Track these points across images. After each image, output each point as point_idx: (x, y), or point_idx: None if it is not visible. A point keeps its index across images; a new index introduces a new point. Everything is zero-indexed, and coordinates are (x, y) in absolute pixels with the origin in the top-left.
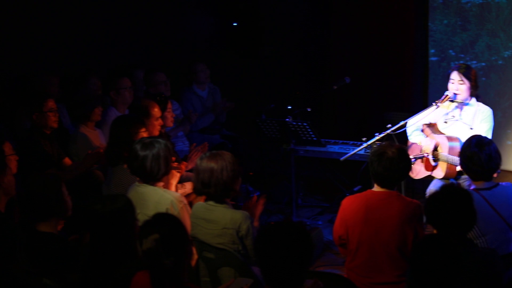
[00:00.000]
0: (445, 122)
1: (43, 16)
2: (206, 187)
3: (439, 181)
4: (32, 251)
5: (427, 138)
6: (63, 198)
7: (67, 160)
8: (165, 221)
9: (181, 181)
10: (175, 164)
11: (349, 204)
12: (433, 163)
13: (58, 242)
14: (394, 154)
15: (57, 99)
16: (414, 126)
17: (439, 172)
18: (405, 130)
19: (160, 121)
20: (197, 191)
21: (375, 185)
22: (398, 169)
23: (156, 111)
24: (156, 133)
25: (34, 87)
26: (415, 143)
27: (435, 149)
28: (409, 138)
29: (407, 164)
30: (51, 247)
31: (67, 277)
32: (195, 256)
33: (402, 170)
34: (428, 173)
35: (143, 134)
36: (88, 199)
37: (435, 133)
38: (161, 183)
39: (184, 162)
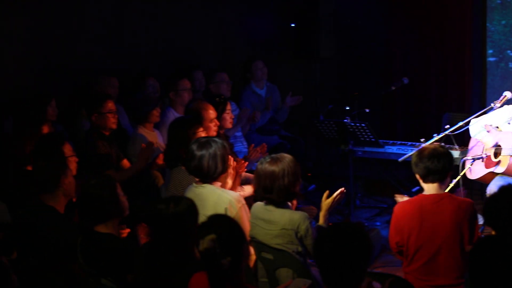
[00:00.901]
0: (509, 123)
1: (102, 17)
2: (267, 193)
3: (500, 179)
4: (91, 252)
5: (489, 134)
6: (118, 199)
7: (125, 162)
8: (221, 221)
9: (240, 182)
10: (234, 165)
11: (402, 210)
12: (494, 159)
13: (116, 243)
14: (434, 147)
15: (115, 100)
16: (477, 125)
17: (500, 168)
18: (463, 131)
19: (215, 122)
20: (258, 196)
21: (426, 187)
22: (441, 157)
23: (211, 112)
24: (213, 134)
25: (94, 88)
26: (477, 145)
27: (497, 145)
28: (472, 136)
29: (449, 154)
30: (109, 248)
31: (125, 277)
32: (254, 257)
33: (445, 159)
34: (488, 170)
35: (201, 134)
36: (147, 201)
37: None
38: (219, 183)
39: (243, 163)
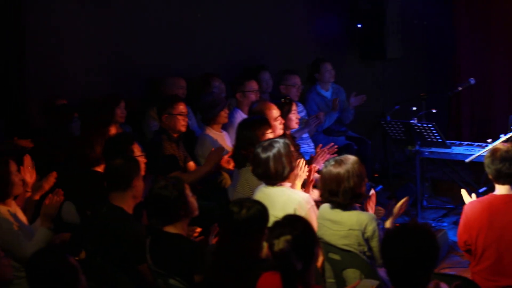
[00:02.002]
0: None
1: (169, 19)
2: (333, 196)
3: None
4: (159, 253)
5: None
6: (187, 200)
7: (192, 164)
8: (297, 222)
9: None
10: (304, 167)
11: (472, 209)
12: None
13: (185, 244)
14: (506, 149)
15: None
16: None
17: None
18: None
19: (280, 120)
20: (324, 199)
21: (497, 187)
22: None
23: (274, 111)
24: (280, 133)
25: (162, 89)
26: None
27: None
28: None
29: None
30: (178, 249)
31: (192, 278)
32: (321, 258)
33: None
34: None
35: (269, 135)
36: (216, 202)
37: None
38: (289, 183)
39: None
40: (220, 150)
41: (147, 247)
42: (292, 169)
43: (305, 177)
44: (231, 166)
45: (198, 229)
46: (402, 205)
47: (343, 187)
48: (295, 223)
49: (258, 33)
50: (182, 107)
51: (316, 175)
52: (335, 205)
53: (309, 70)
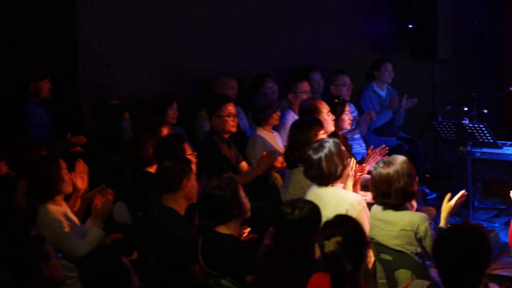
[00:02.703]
0: None
1: (221, 20)
2: (385, 197)
3: None
4: (211, 253)
5: None
6: (240, 200)
7: (244, 164)
8: (347, 223)
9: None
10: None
11: None
12: None
13: (237, 244)
14: None
15: (235, 102)
16: None
17: None
18: None
19: (332, 116)
20: (378, 201)
21: None
22: None
23: (325, 106)
24: (332, 128)
25: (213, 90)
26: None
27: None
28: None
29: None
30: (230, 249)
31: (244, 279)
32: (372, 258)
33: None
34: None
35: (322, 136)
36: (268, 202)
37: None
38: (341, 184)
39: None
40: (272, 153)
41: (199, 247)
42: (344, 167)
43: (356, 177)
44: (279, 163)
45: (247, 229)
46: (457, 200)
47: (394, 188)
48: (345, 224)
49: (309, 33)
50: (230, 108)
51: (367, 176)
52: (388, 206)
53: (370, 66)
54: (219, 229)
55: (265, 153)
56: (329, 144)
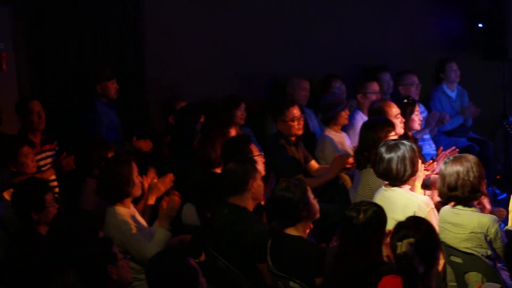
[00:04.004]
0: None
1: (288, 21)
2: (452, 190)
3: None
4: (280, 255)
5: None
6: (309, 201)
7: (313, 163)
8: (421, 225)
9: (428, 184)
10: (422, 166)
11: None
12: None
13: (306, 246)
14: None
15: (306, 103)
16: None
17: None
18: None
19: (400, 118)
20: (443, 195)
21: None
22: None
23: (394, 109)
24: (400, 131)
25: (287, 91)
26: None
27: None
28: None
29: None
30: (299, 251)
31: (313, 281)
32: (442, 261)
33: None
34: None
35: (392, 137)
36: (337, 204)
37: None
38: (408, 186)
39: (431, 163)
40: (345, 157)
41: (268, 250)
42: (413, 173)
43: (424, 177)
44: (348, 164)
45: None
46: None
47: (462, 181)
48: (418, 226)
49: (378, 33)
50: (295, 112)
51: (435, 176)
52: (455, 200)
53: (435, 69)
54: (288, 231)
55: (337, 155)
56: (405, 147)
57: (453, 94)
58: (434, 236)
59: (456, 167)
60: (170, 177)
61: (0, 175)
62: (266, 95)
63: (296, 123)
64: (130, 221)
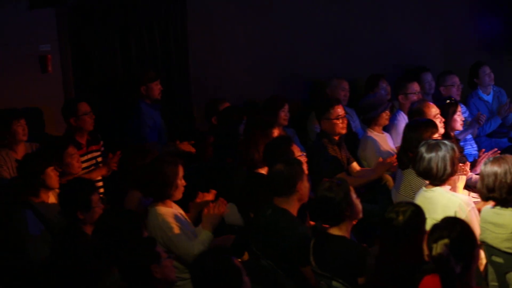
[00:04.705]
0: None
1: (329, 23)
2: (491, 192)
3: None
4: (323, 255)
5: None
6: (352, 201)
7: (355, 165)
8: (456, 225)
9: (470, 185)
10: (462, 167)
11: None
12: None
13: (349, 246)
14: None
15: (347, 104)
16: None
17: None
18: None
19: (440, 118)
20: (482, 196)
21: None
22: None
23: (433, 110)
24: (440, 131)
25: (326, 92)
26: None
27: None
28: None
29: None
30: (342, 251)
31: (356, 281)
32: (484, 261)
33: None
34: None
35: (436, 138)
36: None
37: None
38: (448, 186)
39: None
40: (391, 162)
41: (311, 249)
42: (453, 173)
43: (466, 178)
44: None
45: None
46: None
47: (499, 183)
48: (453, 227)
49: (420, 34)
50: (339, 110)
51: (477, 177)
52: (494, 201)
53: (469, 75)
54: (331, 230)
55: (381, 159)
56: (446, 147)
57: (489, 98)
58: (470, 236)
59: (494, 168)
60: (212, 193)
61: (47, 175)
62: (308, 96)
63: (340, 121)
64: (173, 220)
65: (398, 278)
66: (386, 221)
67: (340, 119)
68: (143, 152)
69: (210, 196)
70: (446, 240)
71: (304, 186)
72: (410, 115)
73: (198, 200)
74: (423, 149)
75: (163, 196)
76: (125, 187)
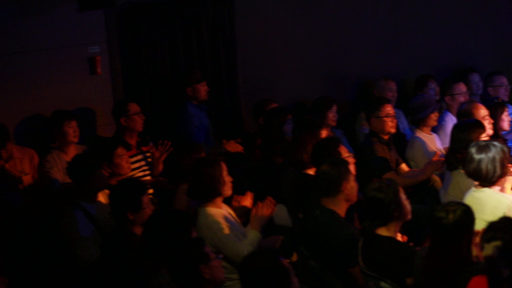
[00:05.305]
0: None
1: (377, 23)
2: None
3: None
4: (372, 255)
5: None
6: (401, 202)
7: (404, 166)
8: (508, 227)
9: None
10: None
11: None
12: None
13: (397, 247)
14: None
15: (394, 104)
16: None
17: None
18: None
19: (488, 120)
20: None
21: None
22: None
23: (482, 111)
24: (489, 132)
25: (374, 93)
26: None
27: None
28: None
29: None
30: (390, 252)
31: (404, 281)
32: None
33: None
34: None
35: (484, 139)
36: (427, 205)
37: None
38: (498, 187)
39: None
40: (437, 163)
41: (359, 250)
42: (502, 175)
43: None
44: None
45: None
46: None
47: None
48: (508, 228)
49: (468, 34)
50: (389, 109)
51: None
52: None
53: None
54: (380, 231)
55: (434, 159)
56: (496, 148)
57: None
58: None
59: None
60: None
61: (97, 176)
62: (356, 97)
63: (390, 119)
64: (222, 221)
65: (446, 278)
66: (436, 220)
67: (390, 117)
68: (193, 147)
69: (247, 200)
70: (498, 242)
71: (350, 186)
72: (458, 116)
73: (234, 203)
74: (473, 150)
75: (213, 195)
76: (175, 183)
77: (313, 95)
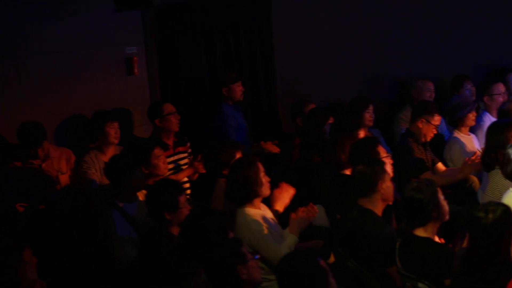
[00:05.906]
0: None
1: (416, 22)
2: None
3: None
4: (409, 256)
5: None
6: (439, 203)
7: (440, 165)
8: None
9: None
10: None
11: None
12: None
13: (435, 248)
14: None
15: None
16: None
17: None
18: None
19: None
20: None
21: None
22: None
23: None
24: None
25: (412, 93)
26: None
27: None
28: None
29: None
30: (428, 252)
31: (442, 282)
32: None
33: None
34: None
35: None
36: (465, 206)
37: None
38: None
39: None
40: (475, 164)
41: (397, 250)
42: None
43: None
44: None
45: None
46: None
47: None
48: None
49: (505, 34)
50: (438, 119)
51: None
52: None
53: None
54: (417, 232)
55: (467, 159)
56: None
57: None
58: None
59: None
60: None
61: (134, 177)
62: (393, 97)
63: (435, 129)
64: (261, 221)
65: (485, 279)
66: (475, 220)
67: (436, 127)
68: (229, 142)
69: (287, 190)
70: None
71: (386, 186)
72: (499, 116)
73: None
74: (510, 152)
75: (251, 196)
76: (211, 187)
77: (349, 95)
